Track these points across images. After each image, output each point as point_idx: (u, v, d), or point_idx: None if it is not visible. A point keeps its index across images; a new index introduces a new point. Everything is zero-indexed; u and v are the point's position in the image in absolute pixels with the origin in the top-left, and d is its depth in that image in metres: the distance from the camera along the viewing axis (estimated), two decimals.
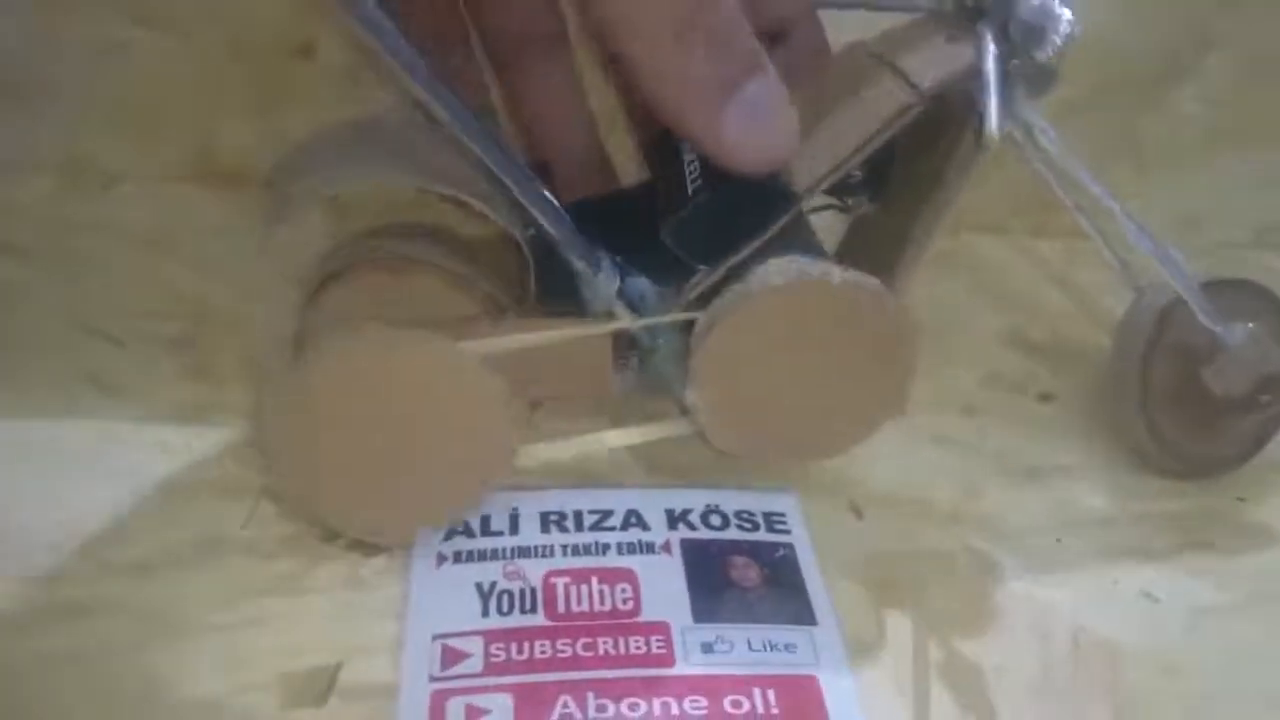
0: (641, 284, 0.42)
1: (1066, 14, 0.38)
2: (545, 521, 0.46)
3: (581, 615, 0.42)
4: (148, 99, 0.60)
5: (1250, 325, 0.47)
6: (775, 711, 0.39)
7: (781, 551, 0.46)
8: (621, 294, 0.42)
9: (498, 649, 0.41)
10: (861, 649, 0.43)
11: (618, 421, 0.49)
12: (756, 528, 0.47)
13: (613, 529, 0.46)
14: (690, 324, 0.42)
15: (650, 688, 0.40)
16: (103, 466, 0.46)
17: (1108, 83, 0.66)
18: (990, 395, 0.57)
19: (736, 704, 0.40)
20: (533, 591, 0.43)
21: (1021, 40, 0.39)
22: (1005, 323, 0.62)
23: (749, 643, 0.42)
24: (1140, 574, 0.47)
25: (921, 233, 0.44)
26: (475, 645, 0.41)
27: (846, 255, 0.48)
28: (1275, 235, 0.72)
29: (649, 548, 0.45)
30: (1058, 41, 0.38)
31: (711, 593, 0.44)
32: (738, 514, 0.47)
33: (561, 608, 0.42)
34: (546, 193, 0.40)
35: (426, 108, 0.36)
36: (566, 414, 0.49)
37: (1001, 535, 0.49)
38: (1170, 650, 0.44)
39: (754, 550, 0.46)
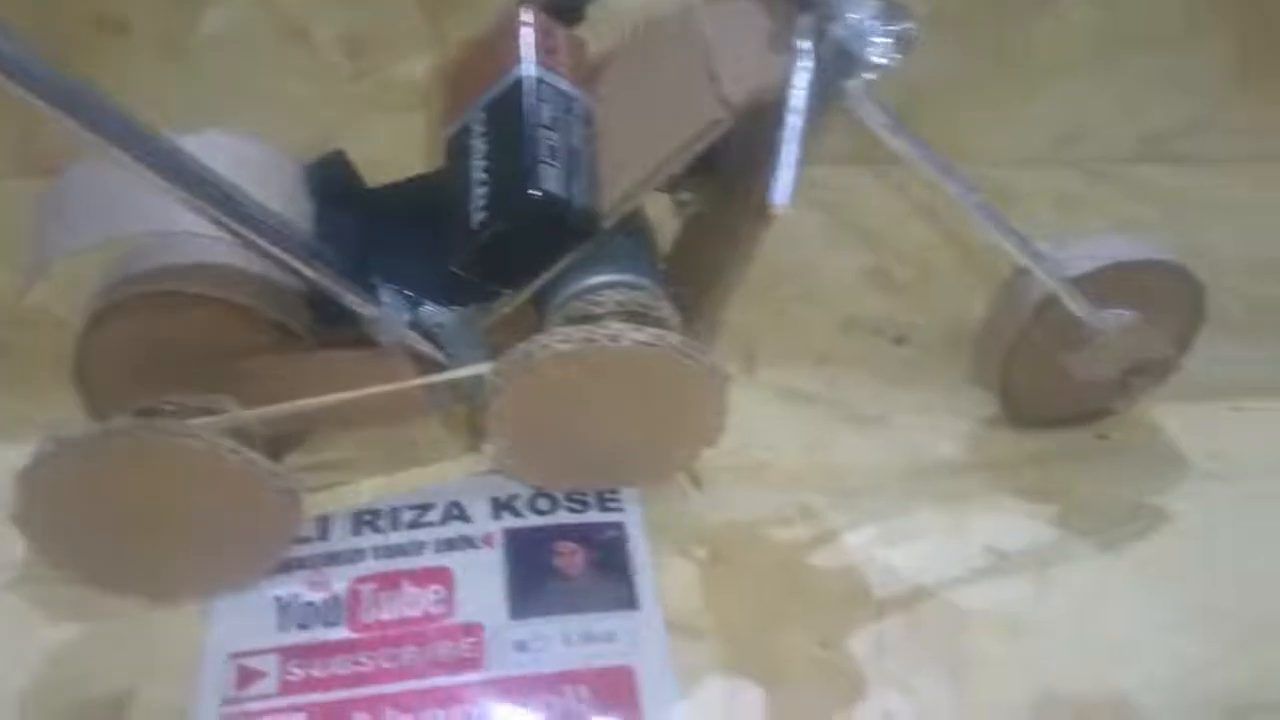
0: (436, 313, 0.39)
1: (880, 41, 0.34)
2: (358, 523, 0.43)
3: (388, 624, 0.40)
4: None
5: (1125, 314, 0.44)
6: (587, 706, 0.38)
7: (611, 532, 0.44)
8: (415, 325, 0.39)
9: (295, 667, 0.39)
10: (684, 631, 0.41)
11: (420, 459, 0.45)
12: (587, 508, 0.45)
13: (431, 524, 0.43)
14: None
15: (454, 697, 0.38)
16: None
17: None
18: (846, 341, 0.54)
19: (547, 704, 0.38)
20: (336, 601, 0.41)
21: (831, 66, 0.35)
22: (868, 261, 0.59)
23: (566, 637, 0.40)
24: (987, 527, 0.45)
25: (745, 247, 0.41)
26: (271, 664, 0.39)
27: (680, 256, 0.45)
28: (1157, 145, 0.70)
29: (469, 542, 0.43)
30: (872, 65, 0.35)
31: (532, 585, 0.42)
32: (569, 495, 0.45)
33: (367, 617, 0.40)
34: (305, 239, 0.37)
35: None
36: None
37: (844, 492, 0.46)
38: (1014, 607, 0.43)
39: (583, 533, 0.44)
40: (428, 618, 0.40)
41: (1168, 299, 0.45)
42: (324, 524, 0.43)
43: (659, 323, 0.39)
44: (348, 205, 0.42)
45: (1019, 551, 0.45)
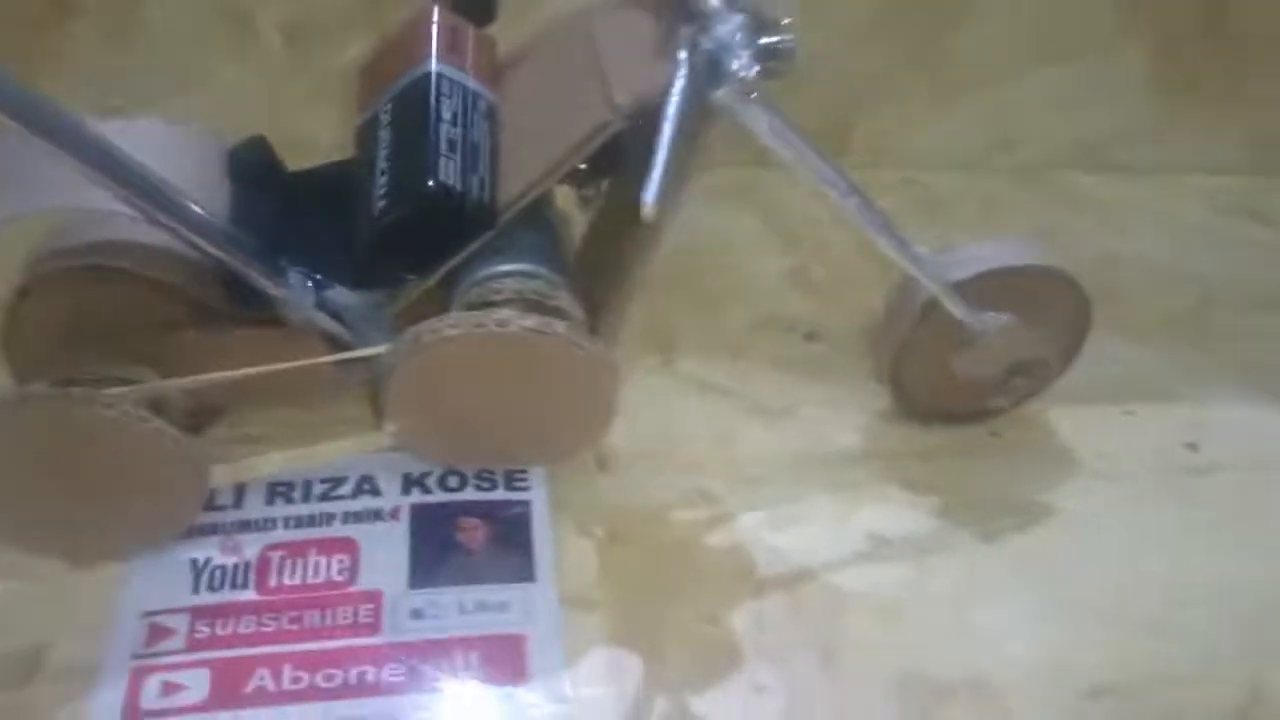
0: (342, 295, 0.41)
1: (745, 55, 0.36)
2: (272, 493, 0.46)
3: (294, 588, 0.42)
4: None
5: (1005, 316, 0.46)
6: (476, 671, 0.40)
7: (516, 509, 0.46)
8: (322, 306, 0.41)
9: (203, 625, 0.41)
10: (577, 604, 0.43)
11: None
12: (495, 486, 0.47)
13: (342, 498, 0.46)
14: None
15: (350, 658, 0.40)
16: None
17: (909, 2, 0.65)
18: (761, 336, 0.57)
19: (436, 667, 0.40)
20: (247, 566, 0.43)
21: (703, 77, 0.37)
22: (790, 262, 0.62)
23: (461, 605, 0.42)
24: (873, 515, 0.48)
25: (644, 243, 0.43)
26: (181, 622, 0.41)
27: (587, 250, 0.47)
28: (1088, 154, 0.72)
29: (376, 515, 0.45)
30: (734, 79, 0.36)
31: (433, 557, 0.44)
32: (478, 473, 0.47)
33: (274, 581, 0.43)
34: (211, 219, 0.39)
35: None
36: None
37: (743, 479, 0.49)
38: (890, 592, 0.45)
39: (487, 510, 0.46)
40: (331, 585, 0.43)
41: (1052, 305, 0.48)
42: (240, 492, 0.45)
43: (555, 311, 0.41)
44: (267, 188, 0.44)
45: (901, 539, 0.47)
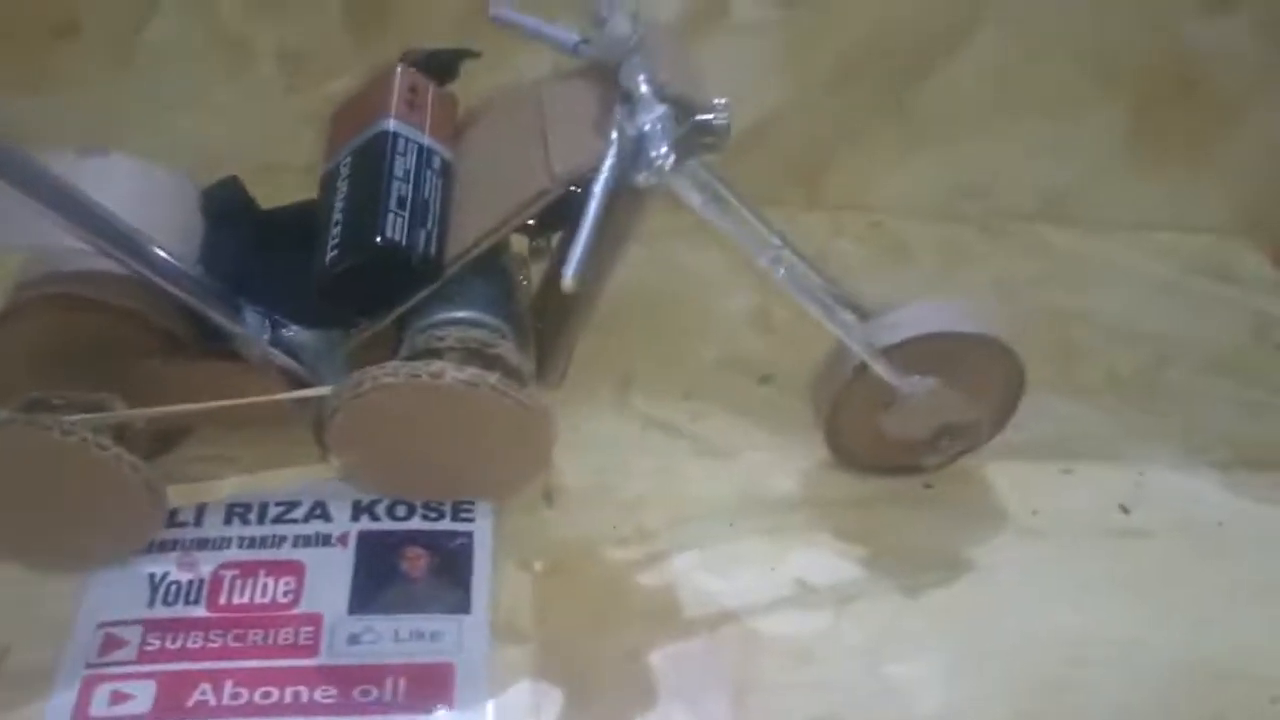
0: (298, 334, 0.44)
1: (662, 148, 0.38)
2: (230, 514, 0.48)
3: (241, 607, 0.45)
4: None
5: (933, 381, 0.48)
6: (403, 697, 0.43)
7: (460, 540, 0.49)
8: (277, 343, 0.44)
9: (154, 638, 0.44)
10: (509, 636, 0.46)
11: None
12: (442, 517, 0.49)
13: (295, 521, 0.48)
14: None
15: (287, 677, 0.43)
16: None
17: (879, 52, 0.67)
18: (716, 377, 0.59)
19: (365, 692, 0.43)
20: (200, 583, 0.46)
21: (630, 159, 0.39)
22: (754, 302, 0.64)
23: (396, 633, 0.45)
24: (801, 561, 0.50)
25: (584, 300, 0.45)
26: (134, 634, 0.44)
27: (540, 298, 0.49)
28: (1058, 206, 0.73)
29: (325, 540, 0.48)
30: (651, 167, 0.38)
31: (375, 585, 0.46)
32: (426, 504, 0.50)
33: (224, 599, 0.45)
34: (172, 262, 0.41)
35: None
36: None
37: (681, 519, 0.51)
38: (808, 639, 0.47)
39: (432, 540, 0.48)
40: (276, 606, 0.45)
41: (985, 369, 0.50)
42: (200, 511, 0.48)
43: (494, 360, 0.43)
44: (238, 227, 0.47)
45: (826, 587, 0.49)
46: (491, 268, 0.46)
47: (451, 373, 0.41)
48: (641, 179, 0.38)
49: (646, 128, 0.37)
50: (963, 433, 0.50)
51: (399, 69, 0.45)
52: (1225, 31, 0.67)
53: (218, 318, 0.42)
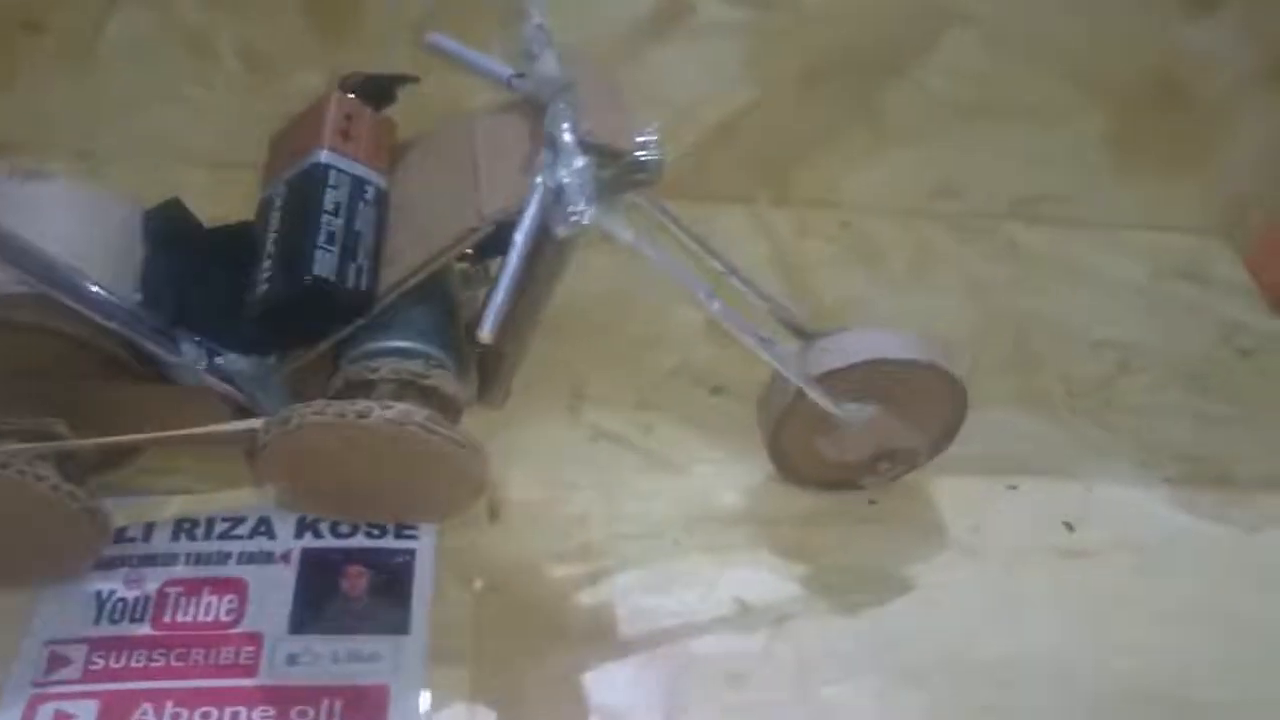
0: (234, 361, 0.44)
1: (581, 201, 0.37)
2: (178, 529, 0.49)
3: (185, 626, 0.46)
4: None
5: (871, 408, 0.48)
6: (338, 718, 0.44)
7: (401, 558, 0.49)
8: (214, 371, 0.44)
9: (99, 657, 0.45)
10: (446, 657, 0.46)
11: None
12: (385, 534, 0.50)
13: (240, 537, 0.49)
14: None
15: (227, 697, 0.44)
16: None
17: (850, 53, 0.66)
18: (670, 387, 0.59)
19: (303, 713, 0.44)
20: (146, 600, 0.47)
21: (551, 205, 0.38)
22: None
23: (335, 654, 0.46)
24: (740, 579, 0.51)
25: (524, 322, 0.45)
26: (79, 653, 0.45)
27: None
28: (1031, 208, 0.73)
29: (268, 557, 0.49)
30: (568, 222, 0.37)
31: (315, 604, 0.47)
32: (370, 521, 0.51)
33: (169, 617, 0.46)
34: (103, 296, 0.42)
35: None
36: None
37: (624, 536, 0.52)
38: (740, 658, 0.48)
39: (374, 558, 0.49)
40: (218, 624, 0.46)
41: (925, 394, 0.50)
42: (149, 528, 0.49)
43: (427, 391, 0.44)
44: (180, 249, 0.47)
45: (763, 606, 0.50)
46: (431, 294, 0.46)
47: (378, 412, 0.41)
48: (560, 231, 0.38)
49: (565, 180, 0.37)
50: (901, 458, 0.51)
51: (334, 97, 0.45)
52: (1207, 34, 0.66)
53: (153, 349, 0.43)
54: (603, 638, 0.48)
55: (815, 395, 0.47)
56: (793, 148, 0.71)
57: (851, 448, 0.50)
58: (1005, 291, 0.68)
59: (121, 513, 0.49)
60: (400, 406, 0.41)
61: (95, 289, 0.42)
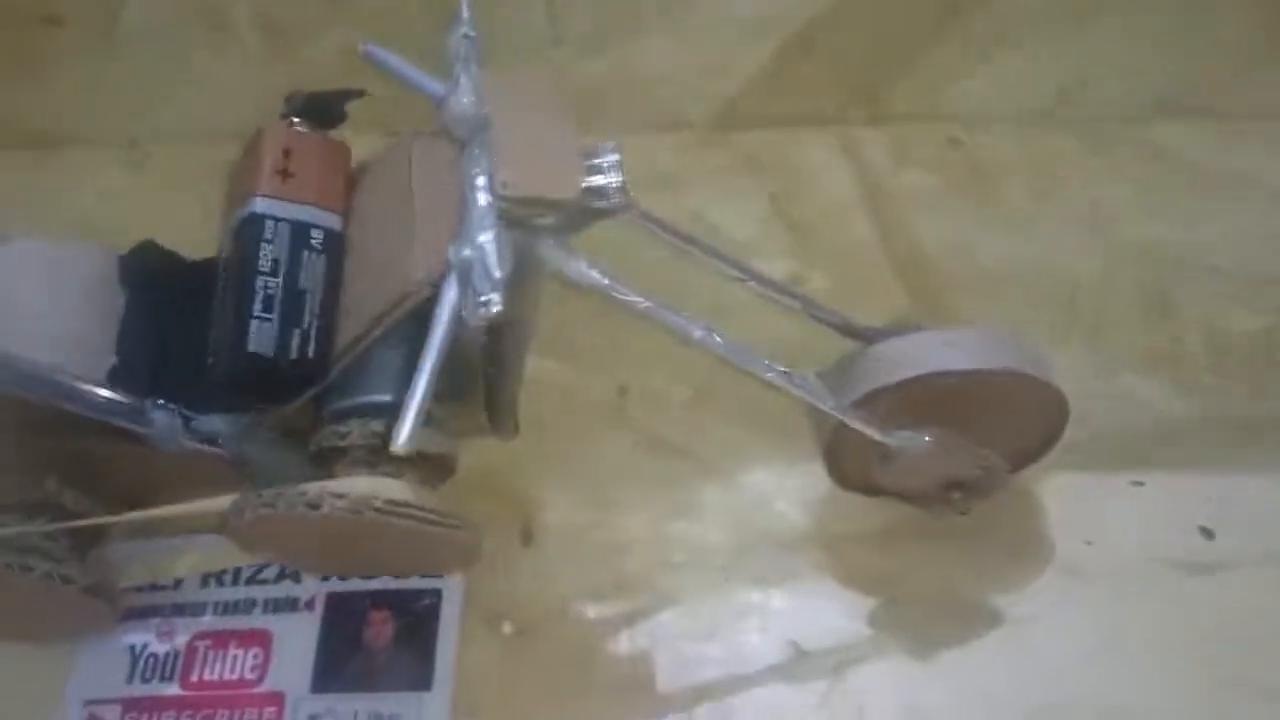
0: (210, 422, 0.41)
1: (487, 287, 0.32)
2: (205, 577, 0.48)
3: (211, 684, 0.45)
4: None
5: (926, 436, 0.40)
6: None
7: (427, 599, 0.46)
8: (192, 434, 0.41)
9: (131, 717, 0.45)
10: (470, 712, 0.44)
11: None
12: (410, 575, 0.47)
13: (265, 582, 0.48)
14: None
15: None
16: None
17: None
18: (723, 378, 0.51)
19: None
20: (175, 656, 0.46)
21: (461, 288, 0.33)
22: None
23: (355, 714, 0.44)
24: (800, 619, 0.44)
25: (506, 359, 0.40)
26: (114, 713, 0.45)
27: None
28: (1174, 103, 0.59)
29: (293, 605, 0.47)
30: (475, 312, 0.32)
31: (338, 659, 0.45)
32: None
33: (196, 675, 0.45)
34: (68, 381, 0.39)
35: None
36: None
37: (666, 565, 0.47)
38: (797, 712, 0.43)
39: (399, 600, 0.46)
40: (242, 682, 0.45)
41: (1005, 407, 0.41)
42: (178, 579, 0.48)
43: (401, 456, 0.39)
44: (155, 295, 0.44)
45: (821, 651, 0.44)
46: (410, 333, 0.41)
47: (329, 501, 0.37)
48: (470, 320, 0.32)
49: (467, 253, 0.31)
50: (975, 484, 0.42)
51: (268, 132, 0.39)
52: None
53: (122, 423, 0.40)
54: (637, 691, 0.44)
55: (857, 425, 0.39)
56: (885, 55, 0.60)
57: (912, 478, 0.42)
58: (1141, 218, 0.56)
59: (145, 559, 0.48)
60: (357, 491, 0.37)
61: (62, 378, 0.39)
